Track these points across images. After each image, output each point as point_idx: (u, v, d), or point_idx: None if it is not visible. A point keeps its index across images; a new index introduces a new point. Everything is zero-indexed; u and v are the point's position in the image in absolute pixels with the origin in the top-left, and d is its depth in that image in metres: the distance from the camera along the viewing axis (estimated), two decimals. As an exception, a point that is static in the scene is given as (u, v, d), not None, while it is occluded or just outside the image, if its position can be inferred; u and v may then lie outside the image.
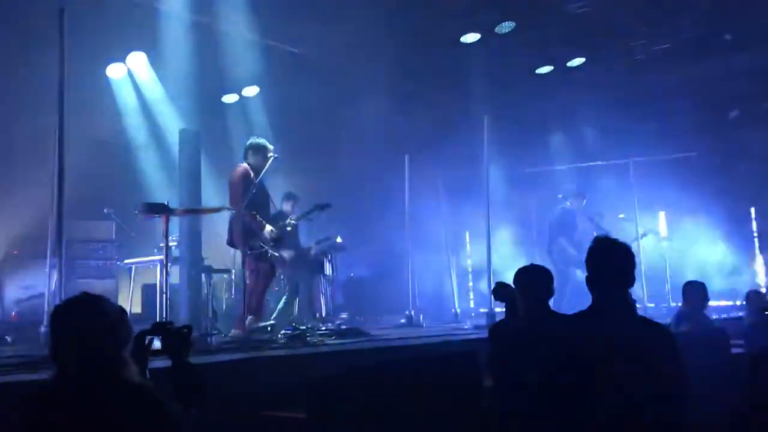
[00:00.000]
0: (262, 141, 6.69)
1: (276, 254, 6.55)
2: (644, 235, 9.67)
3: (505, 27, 9.16)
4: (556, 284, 4.01)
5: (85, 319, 2.23)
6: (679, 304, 6.51)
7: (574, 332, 3.04)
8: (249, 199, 6.11)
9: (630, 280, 3.00)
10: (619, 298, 2.96)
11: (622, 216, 9.87)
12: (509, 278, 4.09)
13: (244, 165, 6.59)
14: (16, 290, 7.32)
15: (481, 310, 9.51)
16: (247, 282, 6.26)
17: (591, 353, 2.86)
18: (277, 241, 6.52)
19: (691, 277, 7.19)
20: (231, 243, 6.50)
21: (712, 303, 6.90)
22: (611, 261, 2.99)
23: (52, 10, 5.47)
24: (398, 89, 9.77)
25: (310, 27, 8.29)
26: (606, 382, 2.78)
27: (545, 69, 10.37)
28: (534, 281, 3.94)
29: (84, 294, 2.31)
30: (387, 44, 8.99)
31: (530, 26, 9.22)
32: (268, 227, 6.43)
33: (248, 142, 6.73)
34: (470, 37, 9.39)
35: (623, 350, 2.81)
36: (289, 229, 6.84)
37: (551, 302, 3.98)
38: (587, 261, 3.06)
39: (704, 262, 10.02)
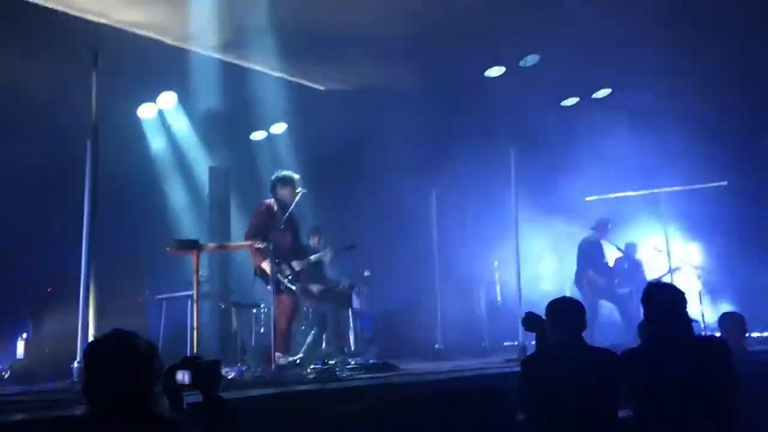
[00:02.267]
0: (288, 173, 6.72)
1: (293, 287, 6.52)
2: (677, 268, 9.52)
3: (530, 60, 9.21)
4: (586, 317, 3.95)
5: (117, 355, 2.25)
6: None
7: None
8: (275, 233, 6.14)
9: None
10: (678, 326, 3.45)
11: (654, 248, 9.73)
12: (538, 310, 4.04)
13: (268, 201, 6.63)
14: (50, 327, 7.40)
15: (511, 343, 9.39)
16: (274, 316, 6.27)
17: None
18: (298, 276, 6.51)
19: (726, 308, 7.03)
20: (257, 274, 6.53)
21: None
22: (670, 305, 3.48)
23: (87, 51, 5.62)
24: (424, 124, 9.83)
25: (337, 64, 8.41)
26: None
27: (571, 101, 10.38)
28: (567, 314, 3.88)
29: (115, 330, 2.33)
30: (412, 79, 9.08)
31: (555, 58, 9.25)
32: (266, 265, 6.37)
33: (274, 176, 6.75)
34: (495, 71, 9.46)
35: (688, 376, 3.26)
36: (305, 265, 6.79)
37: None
38: (645, 305, 3.54)
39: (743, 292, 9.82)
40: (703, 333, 8.94)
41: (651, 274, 9.85)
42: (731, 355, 3.42)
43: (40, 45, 7.05)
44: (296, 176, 6.65)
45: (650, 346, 3.64)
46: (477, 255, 10.97)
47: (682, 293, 3.54)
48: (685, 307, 3.51)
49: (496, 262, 11.57)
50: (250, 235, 6.38)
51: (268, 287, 6.21)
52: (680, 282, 9.45)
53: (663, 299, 3.52)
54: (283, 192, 6.57)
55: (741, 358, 5.81)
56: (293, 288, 6.49)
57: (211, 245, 6.44)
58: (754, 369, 5.41)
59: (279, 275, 6.37)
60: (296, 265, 6.56)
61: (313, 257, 7.02)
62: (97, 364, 2.27)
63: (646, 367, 3.43)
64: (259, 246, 6.20)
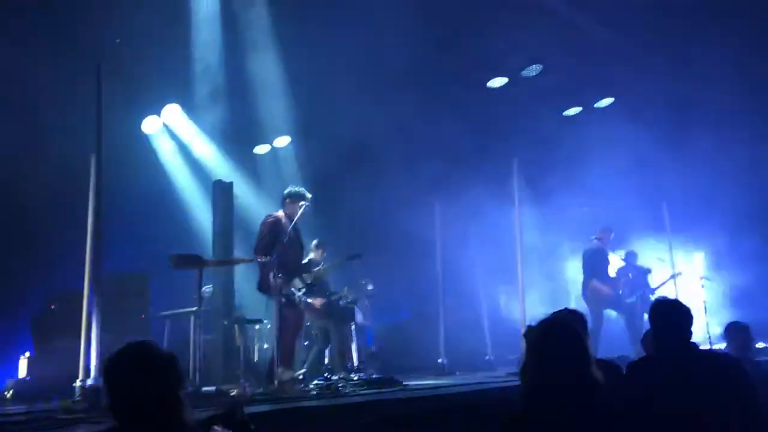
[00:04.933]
0: (300, 189, 6.72)
1: (308, 300, 6.50)
2: (679, 274, 9.50)
3: (532, 70, 9.25)
4: (590, 327, 3.92)
5: (138, 367, 2.24)
6: (721, 347, 6.30)
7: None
8: (281, 246, 6.13)
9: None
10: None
11: (658, 257, 9.71)
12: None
13: (276, 214, 6.63)
14: (53, 345, 7.37)
15: (516, 356, 9.33)
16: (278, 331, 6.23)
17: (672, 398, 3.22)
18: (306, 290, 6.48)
19: (731, 317, 6.97)
20: (260, 288, 6.49)
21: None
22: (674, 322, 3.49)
23: (90, 64, 5.62)
24: (427, 135, 9.85)
25: (339, 75, 8.44)
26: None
27: (573, 110, 10.40)
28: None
29: (133, 343, 2.31)
30: (415, 90, 9.10)
31: (557, 69, 9.28)
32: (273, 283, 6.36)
33: (286, 191, 6.75)
34: (497, 82, 9.50)
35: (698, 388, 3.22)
36: (313, 277, 6.76)
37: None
38: (651, 320, 3.56)
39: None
40: (710, 345, 8.93)
41: (654, 281, 9.78)
42: (744, 371, 3.47)
43: (43, 58, 7.05)
44: (309, 195, 6.66)
45: (653, 361, 3.65)
46: (481, 266, 10.93)
47: (688, 310, 3.56)
48: (690, 325, 3.53)
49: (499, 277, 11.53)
50: (260, 247, 6.36)
51: (282, 300, 6.19)
52: (684, 290, 9.44)
53: (668, 316, 3.54)
54: (293, 207, 6.57)
55: (748, 369, 5.74)
56: (308, 301, 6.48)
57: (214, 260, 6.42)
58: (762, 380, 5.35)
59: (292, 289, 6.36)
60: (307, 277, 6.56)
61: (321, 267, 7.02)
62: (118, 379, 2.25)
63: (647, 383, 3.41)
64: (263, 260, 6.19)
